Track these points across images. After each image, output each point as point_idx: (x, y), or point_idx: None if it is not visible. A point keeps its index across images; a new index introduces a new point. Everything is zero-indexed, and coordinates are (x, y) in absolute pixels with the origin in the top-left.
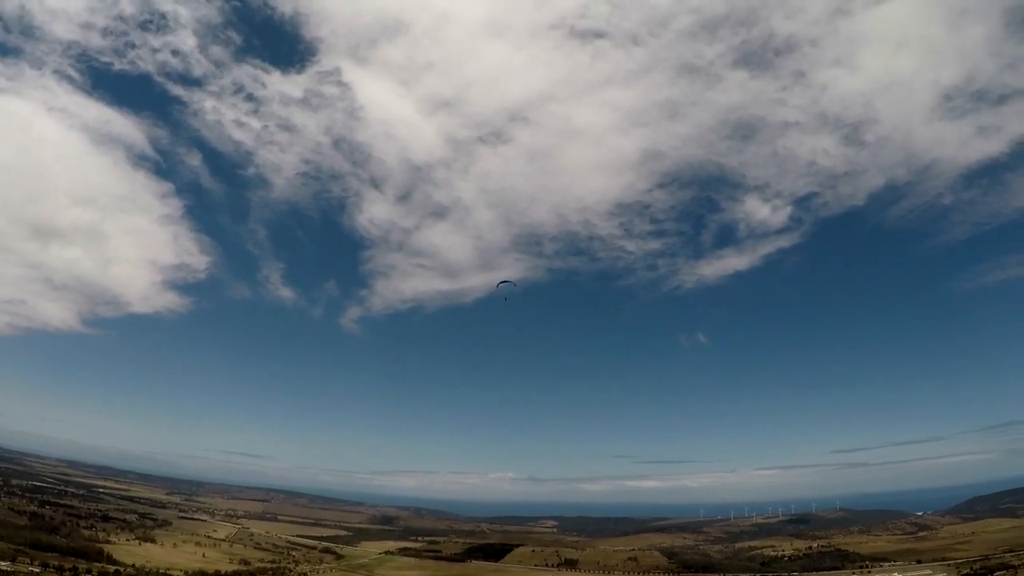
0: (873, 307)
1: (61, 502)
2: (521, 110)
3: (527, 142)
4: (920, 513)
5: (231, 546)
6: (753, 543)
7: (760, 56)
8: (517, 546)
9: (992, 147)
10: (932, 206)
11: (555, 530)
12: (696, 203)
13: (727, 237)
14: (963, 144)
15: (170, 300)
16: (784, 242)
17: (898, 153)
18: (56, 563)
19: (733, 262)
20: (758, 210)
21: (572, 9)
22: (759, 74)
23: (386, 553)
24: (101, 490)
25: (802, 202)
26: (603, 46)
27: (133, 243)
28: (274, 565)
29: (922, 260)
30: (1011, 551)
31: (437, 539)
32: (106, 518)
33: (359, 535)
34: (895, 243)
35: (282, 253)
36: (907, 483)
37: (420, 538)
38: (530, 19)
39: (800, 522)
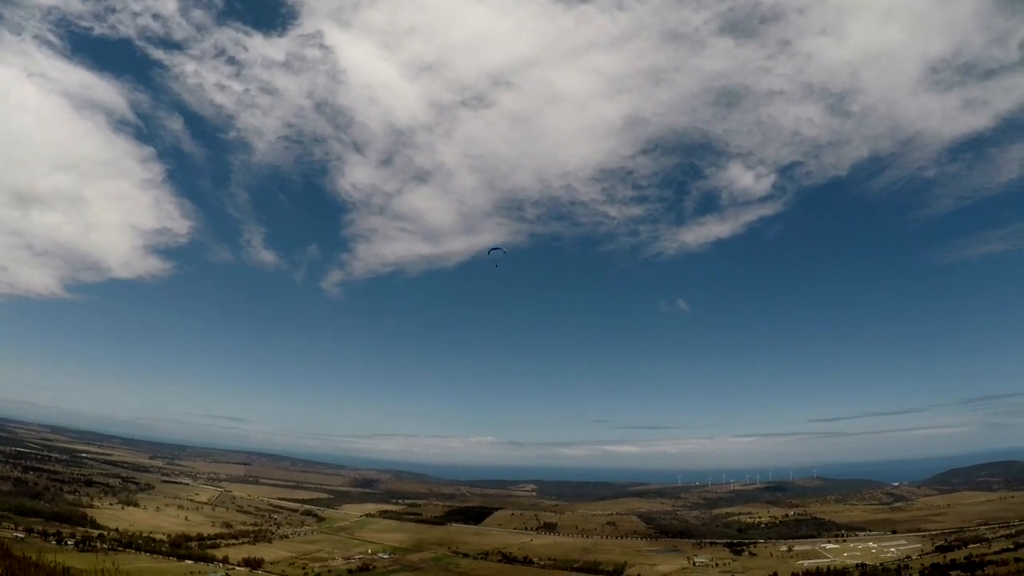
0: (854, 278)
1: (44, 467)
2: (504, 75)
3: (510, 107)
4: (896, 484)
5: (213, 509)
6: (730, 510)
7: (746, 23)
8: (497, 509)
9: (977, 121)
10: (916, 178)
11: (534, 494)
12: (679, 170)
13: (710, 204)
14: (948, 117)
15: (152, 265)
16: (767, 210)
17: (883, 124)
18: (40, 528)
19: (715, 229)
20: (741, 178)
21: None
22: (744, 42)
23: (367, 516)
24: (84, 455)
25: (786, 171)
26: (588, 11)
27: (114, 208)
28: (256, 528)
29: (904, 232)
30: (986, 524)
31: (417, 502)
32: (89, 483)
33: (340, 498)
34: (878, 214)
35: (264, 217)
36: (884, 453)
37: (401, 501)
38: None
39: (777, 490)
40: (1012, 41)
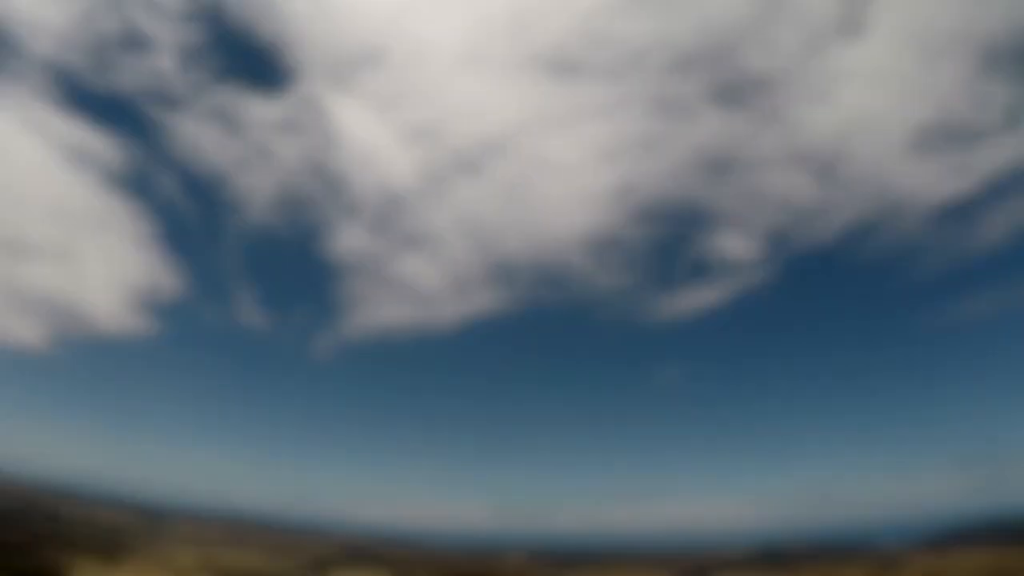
0: (844, 341)
1: (23, 524)
2: (497, 142)
3: (502, 174)
4: (890, 545)
5: (197, 573)
6: (722, 575)
7: (735, 93)
8: None
9: (963, 184)
10: (903, 242)
11: (525, 561)
12: (669, 237)
13: (700, 271)
14: (935, 182)
15: (140, 322)
16: (756, 276)
17: (870, 190)
18: None
19: (705, 295)
20: (731, 244)
21: (549, 44)
22: (734, 111)
23: None
24: (64, 513)
25: (775, 237)
26: (581, 81)
27: (105, 263)
28: None
29: (893, 296)
30: None
31: (406, 569)
32: (69, 541)
33: (327, 563)
34: (867, 279)
35: (255, 278)
36: (878, 514)
37: (389, 567)
38: (508, 53)
39: (770, 555)
40: (994, 105)
